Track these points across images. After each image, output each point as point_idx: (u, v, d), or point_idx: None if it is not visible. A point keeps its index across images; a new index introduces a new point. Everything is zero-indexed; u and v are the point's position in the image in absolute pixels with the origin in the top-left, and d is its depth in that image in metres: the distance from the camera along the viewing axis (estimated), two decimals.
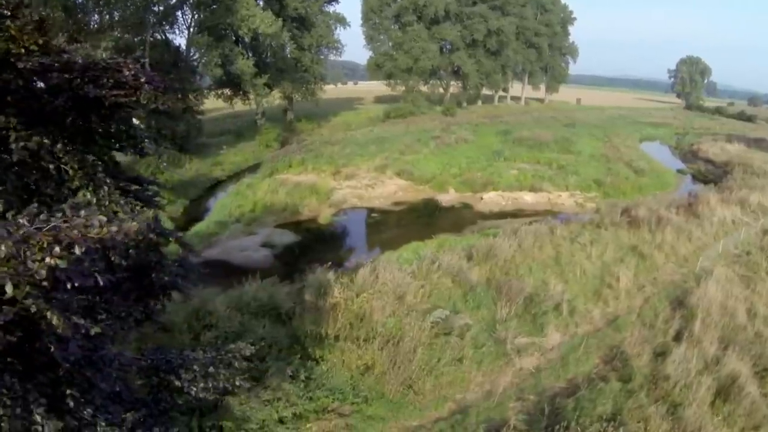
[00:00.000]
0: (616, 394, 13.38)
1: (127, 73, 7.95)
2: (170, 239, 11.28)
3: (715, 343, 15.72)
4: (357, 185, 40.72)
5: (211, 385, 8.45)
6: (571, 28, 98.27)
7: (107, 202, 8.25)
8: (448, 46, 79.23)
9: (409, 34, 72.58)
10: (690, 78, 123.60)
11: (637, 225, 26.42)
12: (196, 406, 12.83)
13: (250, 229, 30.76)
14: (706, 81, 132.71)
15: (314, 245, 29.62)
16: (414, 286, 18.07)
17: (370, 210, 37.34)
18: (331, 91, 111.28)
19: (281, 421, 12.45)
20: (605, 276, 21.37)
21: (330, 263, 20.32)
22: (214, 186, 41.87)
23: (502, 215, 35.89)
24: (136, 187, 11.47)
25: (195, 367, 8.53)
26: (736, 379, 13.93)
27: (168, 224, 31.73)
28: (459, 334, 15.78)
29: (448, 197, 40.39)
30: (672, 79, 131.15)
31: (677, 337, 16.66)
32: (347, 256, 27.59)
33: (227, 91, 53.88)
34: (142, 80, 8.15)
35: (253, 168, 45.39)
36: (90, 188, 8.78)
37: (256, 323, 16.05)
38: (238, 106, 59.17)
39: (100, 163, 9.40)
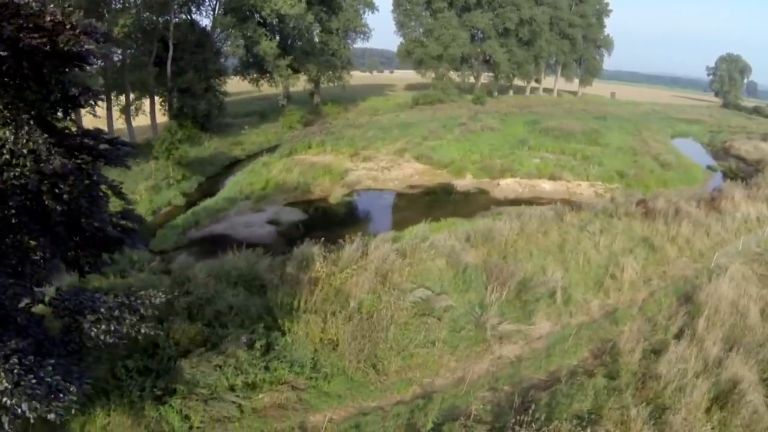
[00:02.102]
0: (598, 391, 11.79)
1: (48, 18, 8.28)
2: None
3: (719, 343, 13.81)
4: (373, 167, 39.44)
5: (113, 328, 8.29)
6: (607, 21, 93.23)
7: (25, 140, 8.47)
8: (480, 35, 76.36)
9: (439, 20, 70.11)
10: (729, 76, 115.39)
11: (652, 216, 24.21)
12: (154, 369, 12.15)
13: (259, 206, 30.08)
14: (746, 80, 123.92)
15: (321, 224, 28.65)
16: (399, 264, 16.77)
17: (384, 192, 36.13)
18: (366, 78, 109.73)
19: (232, 388, 11.60)
20: (610, 266, 19.45)
21: (323, 239, 19.46)
22: (233, 165, 41.29)
23: (518, 202, 34.02)
24: (105, 145, 11.53)
25: (102, 309, 8.38)
26: (737, 385, 12.12)
27: (179, 199, 31.56)
28: (438, 315, 14.44)
29: (464, 182, 38.69)
30: (710, 77, 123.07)
31: (679, 335, 14.81)
32: (350, 235, 26.64)
33: (253, 73, 53.17)
34: (68, 27, 8.49)
35: (274, 148, 44.62)
36: (11, 127, 8.71)
37: (230, 291, 15.21)
38: (267, 89, 58.55)
39: (22, 106, 9.30)
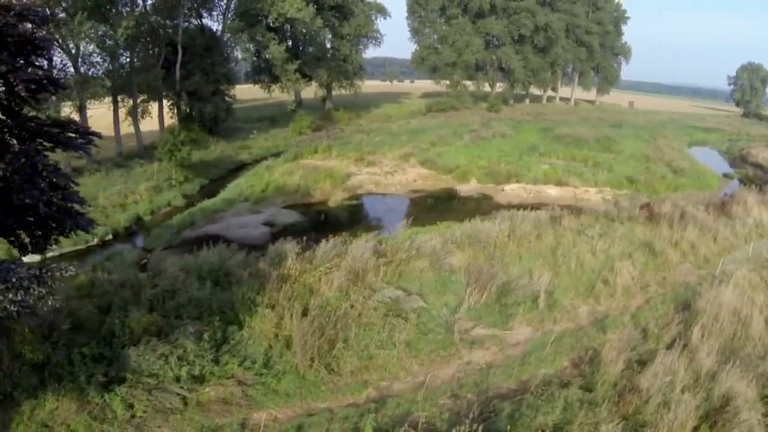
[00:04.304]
0: (570, 403, 10.48)
1: None
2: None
3: (714, 354, 12.31)
4: (377, 172, 38.54)
5: (20, 298, 8.26)
6: (624, 28, 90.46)
7: None
8: (495, 42, 75.02)
9: (453, 27, 69.14)
10: (750, 85, 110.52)
11: (656, 220, 22.61)
12: (108, 356, 11.90)
13: (257, 207, 29.54)
14: None
15: (316, 226, 27.86)
16: (373, 264, 15.74)
17: (385, 196, 35.20)
18: (384, 86, 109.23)
19: (177, 379, 10.98)
20: (605, 271, 18.02)
21: (305, 238, 18.73)
22: (239, 168, 40.83)
23: (521, 207, 32.64)
24: (70, 134, 11.95)
25: (13, 279, 8.36)
26: (731, 401, 10.66)
27: (179, 200, 31.16)
28: (406, 316, 13.31)
29: (468, 187, 37.48)
30: (731, 86, 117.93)
31: (671, 345, 13.33)
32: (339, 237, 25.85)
33: (265, 79, 52.83)
34: None
35: (281, 153, 44.33)
36: None
37: (196, 284, 14.57)
38: (280, 95, 58.28)
39: None
